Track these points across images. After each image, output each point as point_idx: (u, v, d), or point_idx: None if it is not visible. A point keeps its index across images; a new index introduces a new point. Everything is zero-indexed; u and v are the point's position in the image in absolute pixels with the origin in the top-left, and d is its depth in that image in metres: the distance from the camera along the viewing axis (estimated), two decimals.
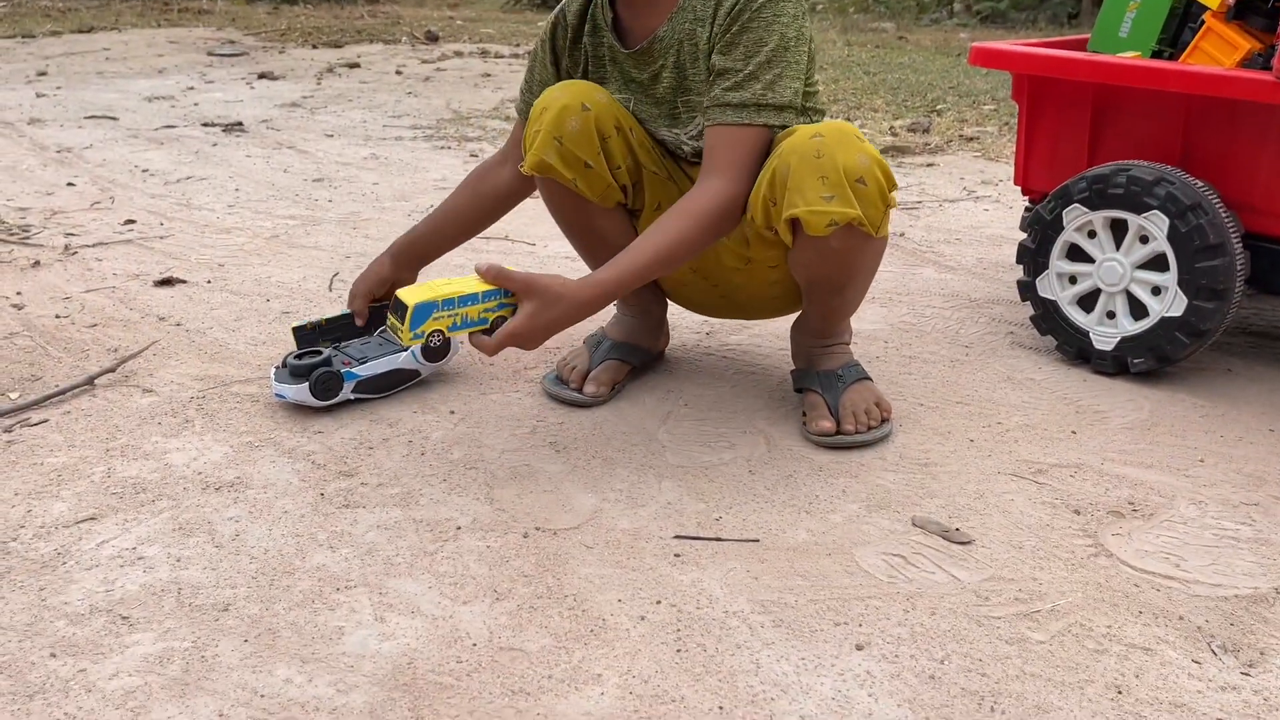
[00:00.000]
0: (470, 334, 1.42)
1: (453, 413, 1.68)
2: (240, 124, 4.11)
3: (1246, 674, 1.10)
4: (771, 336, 2.02)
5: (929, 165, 3.57)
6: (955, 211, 2.98)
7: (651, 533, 1.35)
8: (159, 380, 1.79)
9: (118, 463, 1.51)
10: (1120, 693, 1.06)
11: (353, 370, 1.67)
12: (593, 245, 1.71)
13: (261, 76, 5.37)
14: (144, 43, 6.59)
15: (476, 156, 3.64)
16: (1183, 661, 1.11)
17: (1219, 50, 1.77)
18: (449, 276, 1.53)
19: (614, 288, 1.42)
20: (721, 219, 1.47)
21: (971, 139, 3.93)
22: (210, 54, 6.17)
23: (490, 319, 1.42)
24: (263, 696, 1.05)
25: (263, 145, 3.78)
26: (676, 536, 1.34)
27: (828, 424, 1.57)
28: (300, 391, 1.63)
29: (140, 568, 1.26)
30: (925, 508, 1.41)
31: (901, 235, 2.73)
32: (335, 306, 2.15)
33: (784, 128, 1.49)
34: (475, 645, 1.13)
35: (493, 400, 1.73)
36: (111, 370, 1.80)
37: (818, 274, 1.54)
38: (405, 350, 1.73)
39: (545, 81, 1.66)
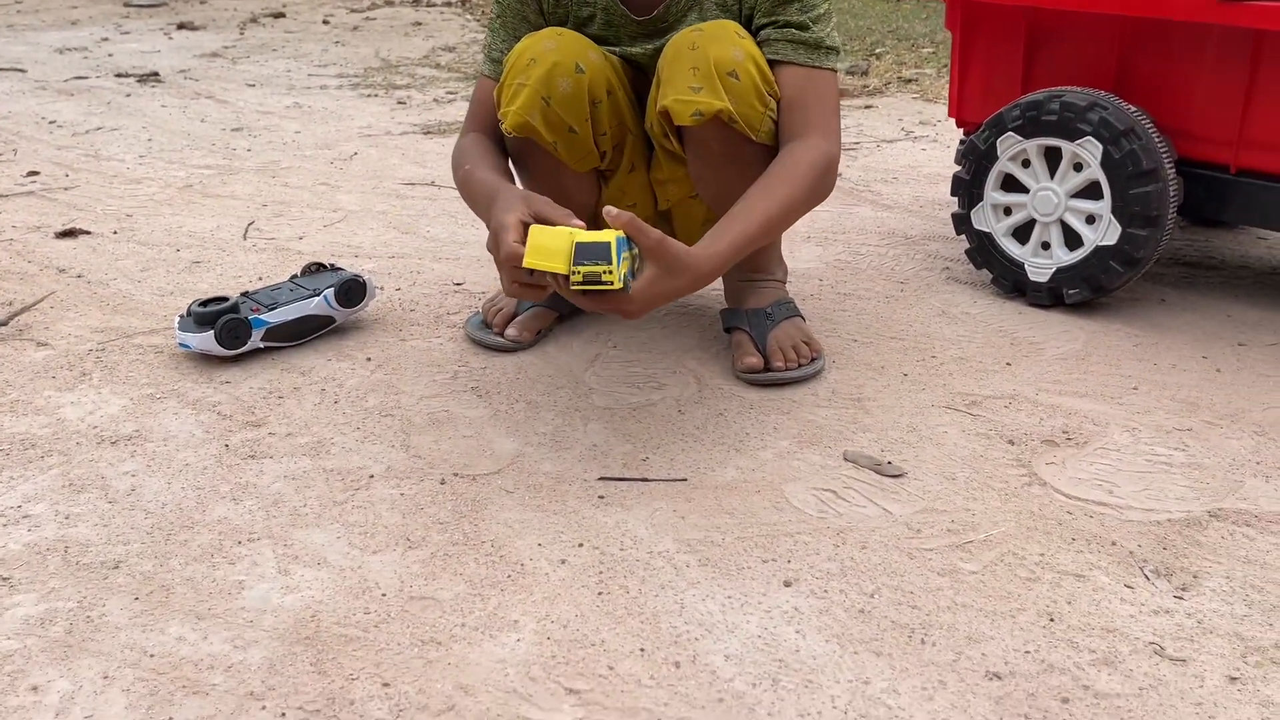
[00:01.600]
0: (571, 289, 1.16)
1: (369, 359, 1.61)
2: (156, 74, 3.94)
3: (1179, 597, 1.07)
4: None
5: (867, 108, 3.52)
6: (893, 151, 2.94)
7: (575, 476, 1.29)
8: (55, 333, 1.69)
9: (6, 419, 1.42)
10: (1052, 620, 1.04)
11: (261, 317, 1.58)
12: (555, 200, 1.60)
13: (181, 27, 5.15)
14: None
15: (404, 104, 3.52)
16: (1115, 587, 1.09)
17: None
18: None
19: (731, 258, 1.28)
20: (825, 178, 1.39)
21: (910, 81, 3.89)
22: (127, 4, 5.91)
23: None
24: (152, 656, 0.98)
25: (179, 95, 3.62)
26: (601, 478, 1.29)
27: (754, 360, 1.53)
28: (205, 340, 1.54)
29: (25, 526, 1.18)
30: (857, 442, 1.38)
31: (839, 176, 2.68)
32: (250, 255, 2.05)
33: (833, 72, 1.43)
34: (385, 595, 1.07)
35: (413, 346, 1.65)
36: (3, 324, 1.69)
37: (712, 188, 1.48)
38: (317, 296, 1.64)
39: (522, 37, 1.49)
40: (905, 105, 3.52)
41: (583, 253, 1.13)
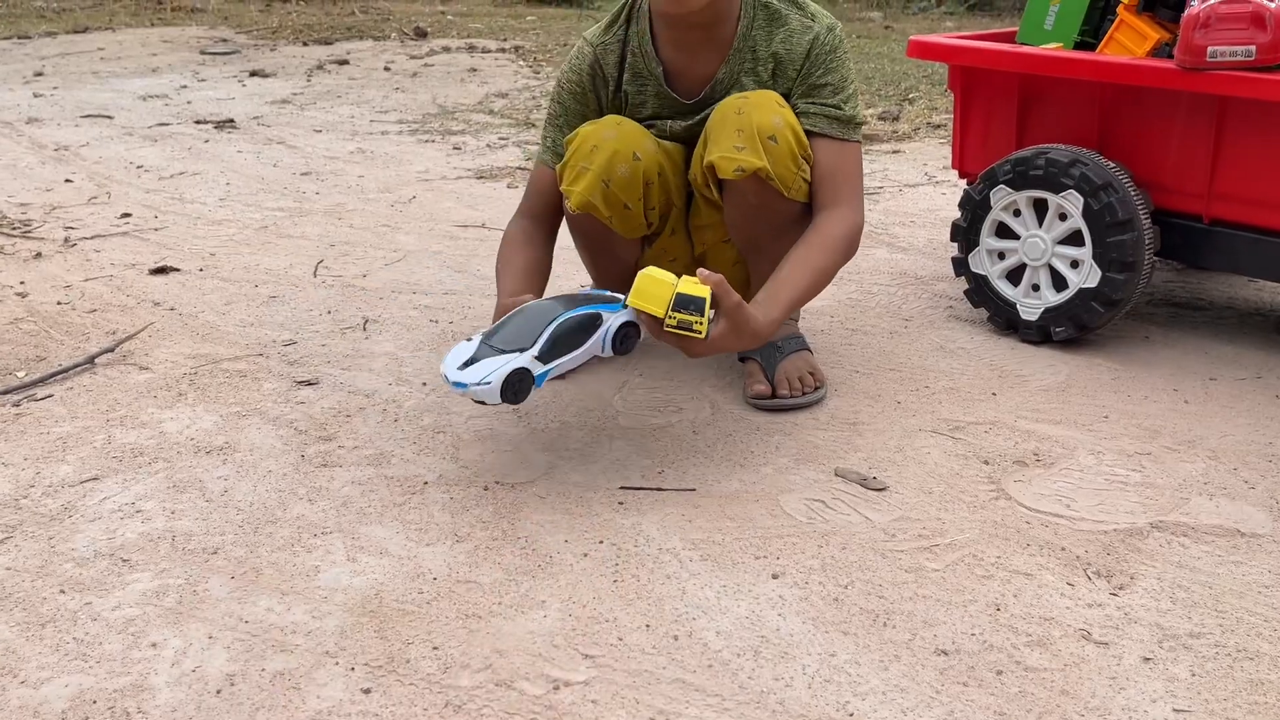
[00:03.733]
0: (663, 330, 1.41)
1: (425, 384, 1.83)
2: (232, 121, 4.25)
3: (1115, 594, 1.25)
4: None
5: (894, 152, 3.71)
6: (914, 196, 3.12)
7: (600, 484, 1.50)
8: (154, 359, 1.94)
9: (117, 431, 1.66)
10: (998, 609, 1.21)
11: (545, 370, 1.42)
12: (603, 263, 1.83)
13: (253, 74, 5.50)
14: (138, 42, 6.72)
15: (459, 150, 3.78)
16: (1058, 584, 1.26)
17: (1131, 41, 1.92)
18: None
19: (782, 320, 1.55)
20: (851, 245, 1.65)
21: (939, 126, 4.07)
22: (203, 52, 6.30)
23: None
24: (246, 623, 1.20)
25: (253, 141, 3.92)
26: (622, 487, 1.49)
27: (763, 388, 1.72)
28: (489, 393, 1.37)
29: (139, 519, 1.41)
30: (848, 460, 1.56)
31: None
32: (320, 291, 2.30)
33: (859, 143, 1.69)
34: (435, 579, 1.28)
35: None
36: (110, 350, 1.95)
37: (745, 233, 1.69)
38: (595, 335, 1.46)
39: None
40: (931, 151, 3.70)
41: (681, 302, 1.38)
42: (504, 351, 1.40)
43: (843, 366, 1.90)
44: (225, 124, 4.20)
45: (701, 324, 1.39)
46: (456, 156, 3.68)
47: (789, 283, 1.56)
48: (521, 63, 5.98)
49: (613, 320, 1.46)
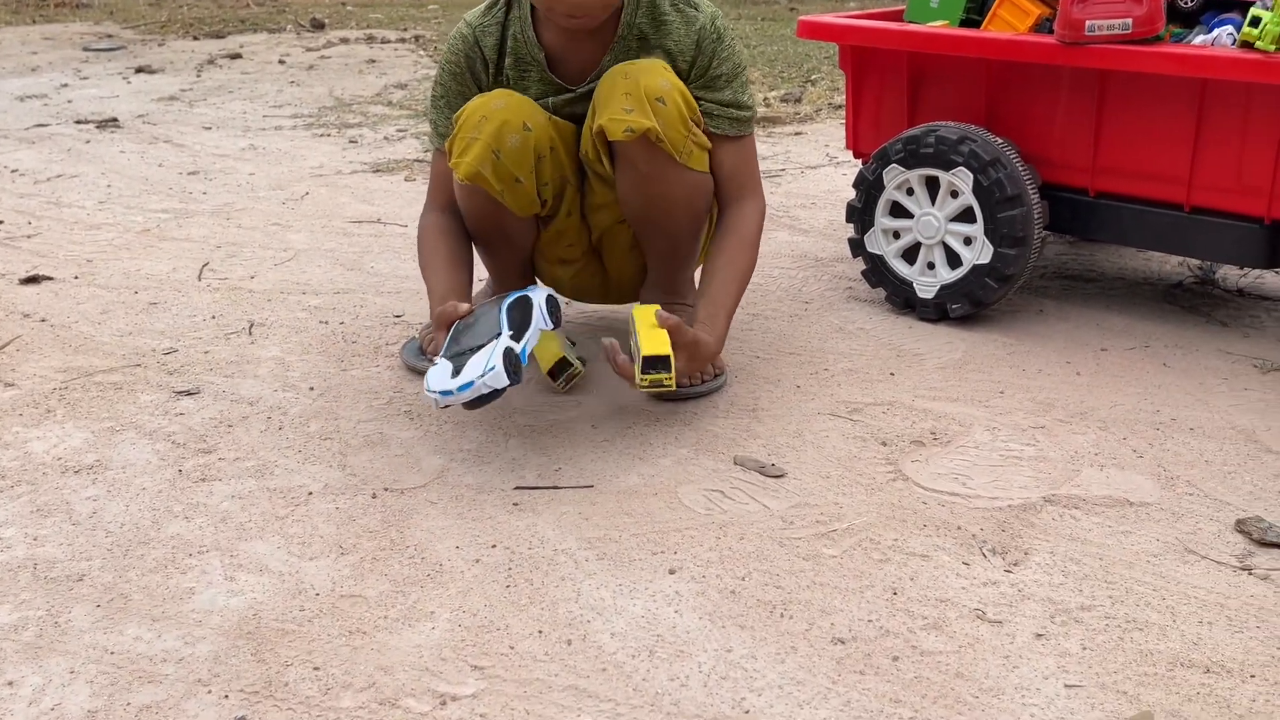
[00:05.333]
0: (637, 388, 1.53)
1: (312, 389, 1.76)
2: (115, 120, 4.07)
3: (1009, 571, 1.25)
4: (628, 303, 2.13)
5: (797, 134, 3.72)
6: (815, 177, 3.12)
7: (494, 486, 1.45)
8: (21, 374, 1.83)
9: None
10: (895, 594, 1.20)
11: (523, 347, 1.48)
12: (495, 243, 1.78)
13: (139, 71, 5.28)
14: (17, 40, 6.40)
15: (355, 143, 3.67)
16: (954, 564, 1.26)
17: (1014, 17, 1.93)
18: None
19: (726, 332, 1.65)
20: (761, 228, 1.73)
21: (840, 107, 4.09)
22: (86, 49, 6.03)
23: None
24: (113, 654, 1.13)
25: (137, 140, 3.76)
26: (517, 488, 1.45)
27: None
28: (495, 376, 1.39)
29: None
30: (748, 448, 1.54)
31: None
32: (204, 295, 2.20)
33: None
34: (318, 595, 1.22)
35: (353, 375, 1.81)
36: None
37: (637, 207, 1.67)
38: (537, 312, 1.55)
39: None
40: (833, 131, 3.72)
41: (649, 364, 1.50)
42: (481, 346, 1.45)
43: (744, 352, 1.88)
44: (108, 123, 4.02)
45: (670, 379, 1.50)
46: (353, 150, 3.57)
47: (724, 296, 1.64)
48: (422, 52, 5.85)
49: (537, 297, 1.57)
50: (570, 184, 1.72)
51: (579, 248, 1.80)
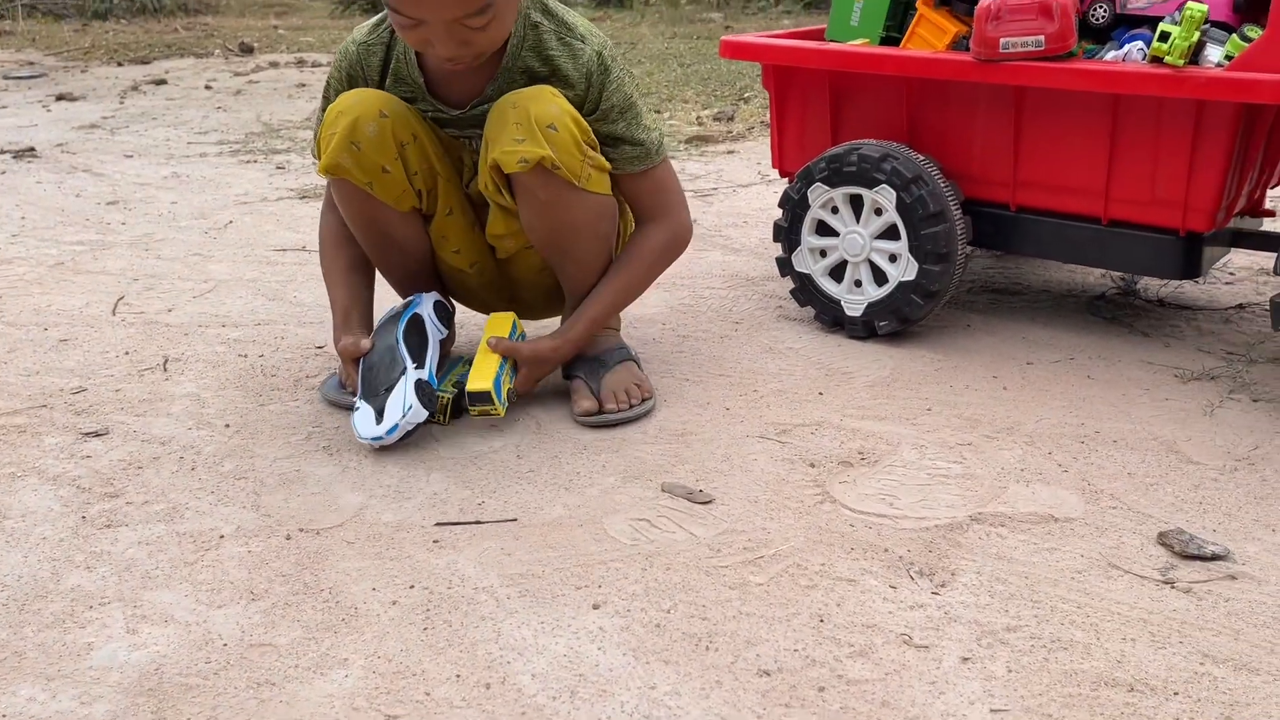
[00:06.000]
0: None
1: (228, 426, 1.70)
2: (32, 149, 3.95)
3: (936, 593, 1.23)
4: (556, 327, 2.10)
5: (730, 153, 3.72)
6: (747, 196, 3.13)
7: (414, 523, 1.41)
8: None
9: None
10: (822, 621, 1.18)
11: (431, 375, 1.64)
12: (385, 250, 1.75)
13: (60, 98, 5.15)
14: None
15: (282, 169, 3.60)
16: (881, 588, 1.24)
17: (932, 35, 1.94)
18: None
19: (586, 337, 1.71)
20: (670, 250, 1.75)
21: None
22: (6, 77, 5.87)
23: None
24: (4, 717, 1.07)
25: (55, 170, 3.65)
26: (438, 524, 1.41)
27: (589, 404, 1.67)
28: (415, 414, 1.55)
29: None
30: (676, 474, 1.52)
31: (694, 221, 2.85)
32: (118, 331, 2.12)
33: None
34: (225, 645, 1.17)
35: (270, 411, 1.75)
36: None
37: (543, 235, 1.65)
38: (429, 323, 1.71)
39: None
40: (764, 150, 3.73)
41: (474, 399, 1.59)
42: (391, 386, 1.57)
43: (673, 375, 1.86)
44: (24, 153, 3.90)
45: (499, 408, 1.59)
46: (279, 176, 3.50)
47: (591, 303, 1.69)
48: None
49: (425, 309, 1.69)
50: (442, 177, 1.69)
51: (467, 256, 1.77)
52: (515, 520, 1.41)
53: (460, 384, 1.66)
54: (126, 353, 2.01)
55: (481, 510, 1.44)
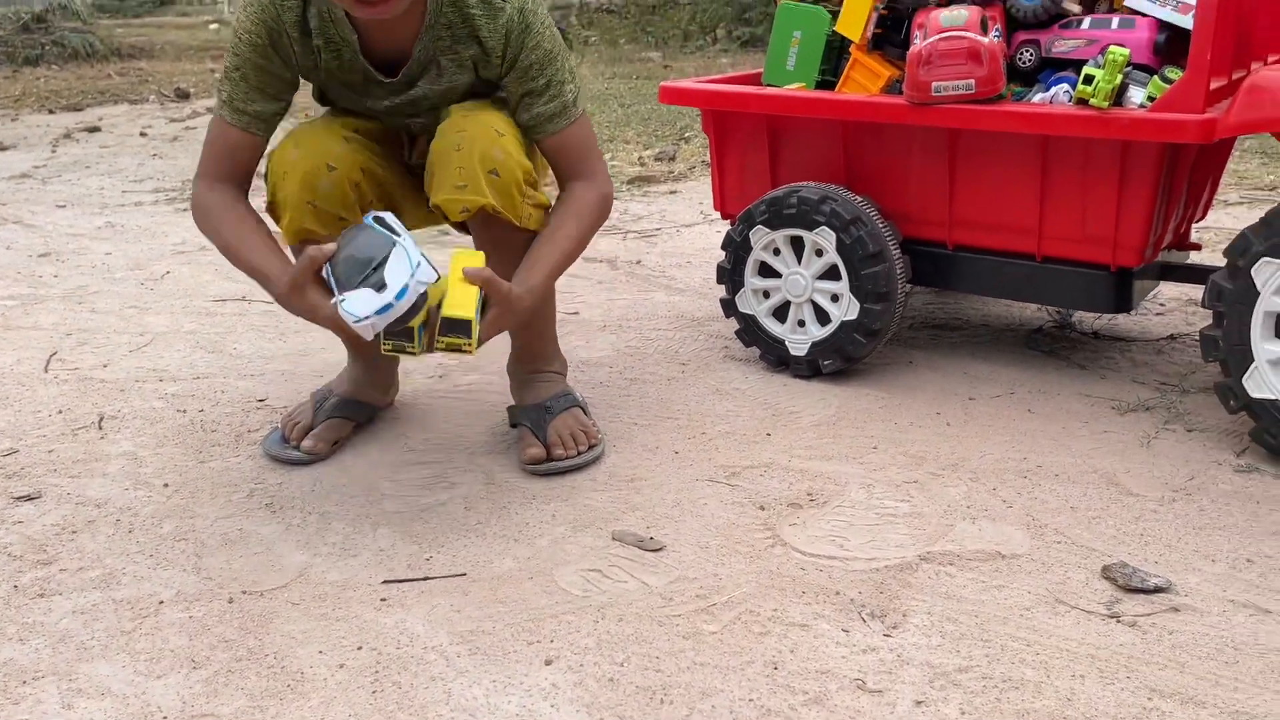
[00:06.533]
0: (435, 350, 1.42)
1: (166, 485, 1.66)
2: None
3: (888, 635, 1.24)
4: (504, 374, 2.08)
5: (671, 193, 3.75)
6: (690, 236, 3.15)
7: (361, 581, 1.38)
8: None
9: None
10: (776, 668, 1.18)
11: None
12: None
13: None
14: None
15: None
16: (834, 633, 1.24)
17: (865, 78, 1.98)
18: None
19: (547, 287, 1.57)
20: (603, 212, 1.64)
21: None
22: None
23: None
24: None
25: None
26: (385, 581, 1.38)
27: (537, 451, 1.65)
28: (424, 270, 1.34)
29: None
30: (626, 521, 1.51)
31: (638, 263, 2.87)
32: (51, 388, 2.07)
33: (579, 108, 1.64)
34: (166, 718, 1.13)
35: (211, 468, 1.71)
36: None
37: (494, 262, 1.62)
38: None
39: (274, 87, 1.57)
40: (706, 189, 3.77)
41: (449, 326, 1.38)
42: (381, 262, 1.33)
43: (621, 419, 1.85)
44: None
45: (470, 345, 1.39)
46: None
47: (542, 255, 1.56)
48: (290, 119, 5.74)
49: (377, 216, 1.41)
50: (397, 186, 1.69)
51: (417, 225, 1.75)
52: (464, 575, 1.39)
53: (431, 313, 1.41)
54: (60, 411, 1.96)
55: (430, 566, 1.41)
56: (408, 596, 1.34)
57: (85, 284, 2.81)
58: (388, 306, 1.30)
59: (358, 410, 1.81)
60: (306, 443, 1.72)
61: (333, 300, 1.35)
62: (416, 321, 1.37)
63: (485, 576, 1.38)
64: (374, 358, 1.82)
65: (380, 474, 1.68)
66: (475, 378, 2.08)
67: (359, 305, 1.31)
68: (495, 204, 1.53)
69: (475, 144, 1.53)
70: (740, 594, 1.32)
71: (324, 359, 2.18)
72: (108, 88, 7.18)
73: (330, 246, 1.38)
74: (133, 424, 1.90)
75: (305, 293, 1.40)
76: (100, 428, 1.88)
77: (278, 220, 1.60)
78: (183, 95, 6.65)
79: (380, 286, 1.32)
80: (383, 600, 1.34)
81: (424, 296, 1.35)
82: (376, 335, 1.36)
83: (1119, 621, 1.24)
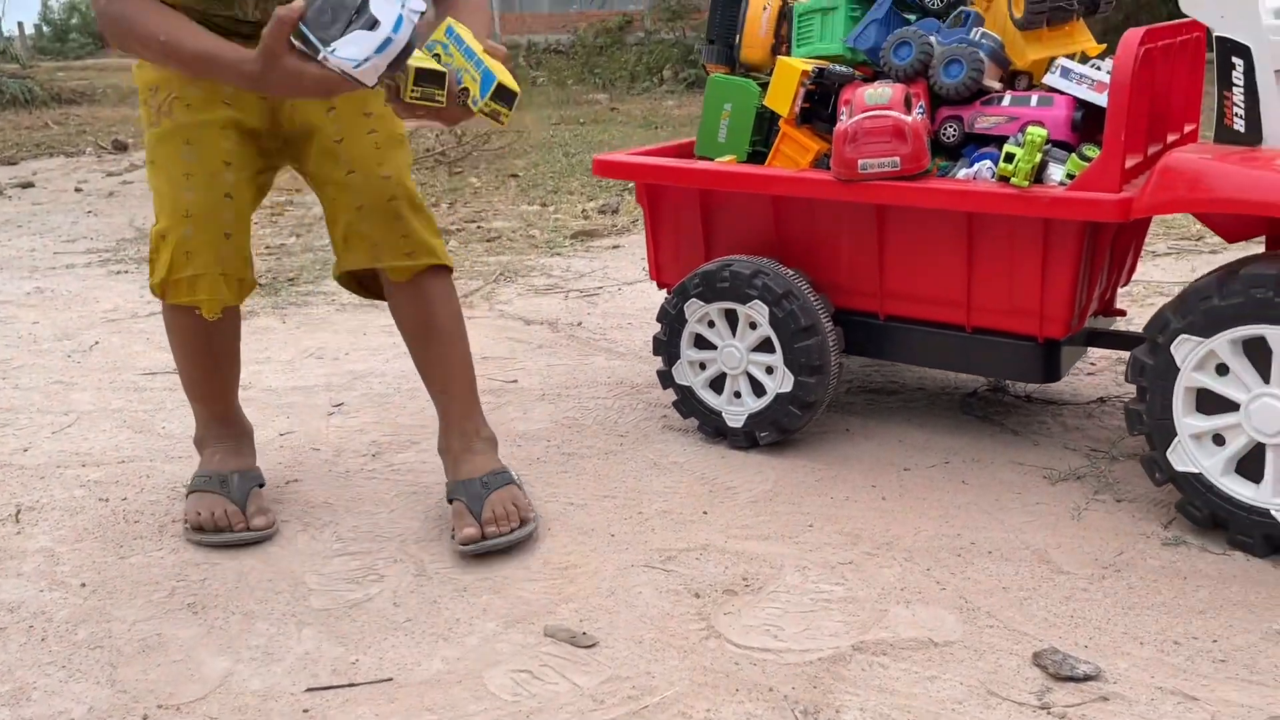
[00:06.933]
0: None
1: (84, 585, 1.60)
2: None
3: None
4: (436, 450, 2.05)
5: (615, 247, 3.76)
6: (632, 294, 3.15)
7: (283, 690, 1.34)
8: None
9: None
10: None
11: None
12: (219, 360, 1.79)
13: None
14: None
15: None
16: None
17: (795, 152, 1.99)
18: None
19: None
20: None
21: None
22: None
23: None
24: None
25: None
26: (308, 689, 1.34)
27: (471, 530, 1.63)
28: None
29: None
30: (559, 613, 1.49)
31: (579, 324, 2.86)
32: None
33: None
34: None
35: (132, 564, 1.66)
36: None
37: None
38: None
39: None
40: None
41: (504, 95, 1.37)
42: (363, 4, 1.28)
43: (557, 499, 1.83)
44: None
45: (442, 95, 1.35)
46: None
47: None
48: None
49: None
50: (257, 186, 1.72)
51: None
52: (390, 680, 1.35)
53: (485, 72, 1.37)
54: None
55: (355, 670, 1.38)
56: (330, 706, 1.31)
57: (9, 357, 2.73)
58: (387, 41, 1.27)
59: (259, 475, 1.83)
60: (258, 520, 1.73)
61: (320, 56, 1.29)
62: (419, 63, 1.33)
63: (412, 681, 1.35)
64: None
65: (307, 566, 1.64)
66: (409, 455, 2.05)
67: (353, 49, 1.27)
68: (435, 246, 1.69)
69: (391, 205, 1.64)
70: (673, 694, 1.30)
71: (256, 438, 2.13)
72: (44, 139, 7.06)
73: (299, 4, 1.29)
74: (52, 516, 1.83)
75: (282, 60, 1.31)
76: (17, 520, 1.82)
77: (173, 294, 1.65)
78: (120, 147, 6.55)
79: (372, 25, 1.28)
80: (305, 711, 1.30)
81: (415, 31, 1.31)
82: (390, 88, 1.34)
83: (1049, 713, 1.24)
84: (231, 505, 1.73)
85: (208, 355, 1.75)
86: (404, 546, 1.69)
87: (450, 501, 1.73)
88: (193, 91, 1.62)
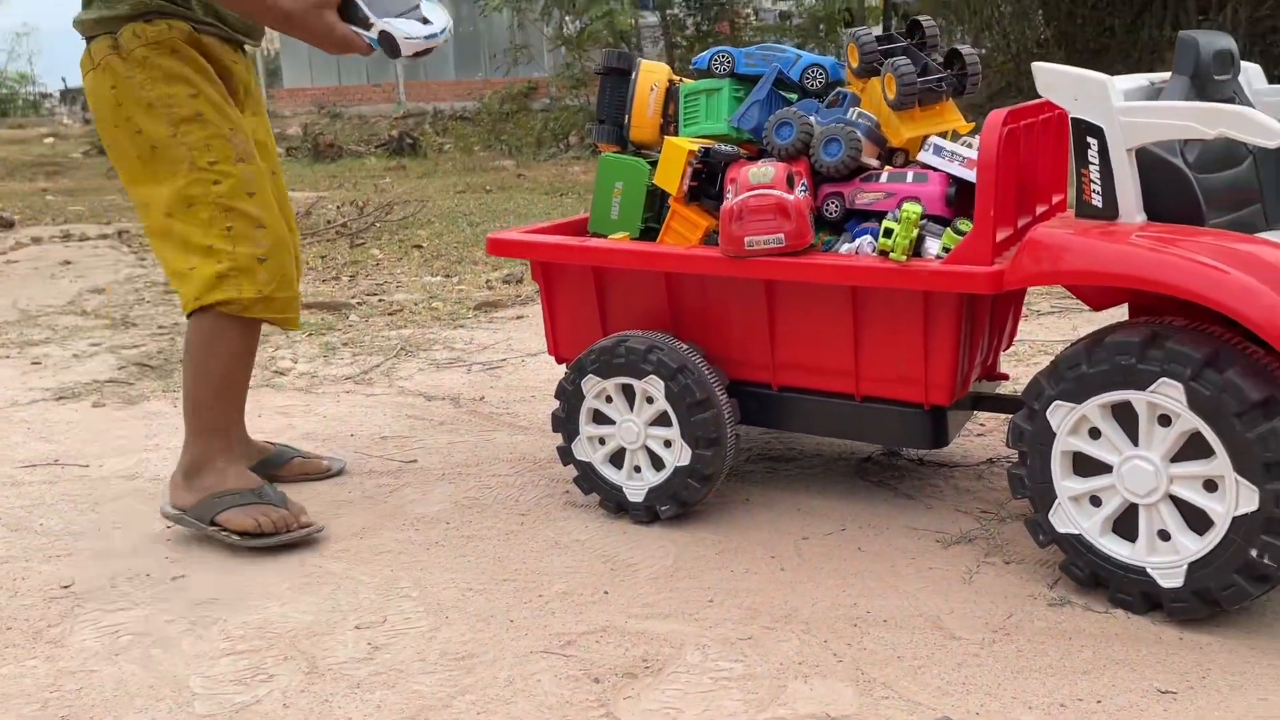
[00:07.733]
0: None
1: None
2: None
3: None
4: (321, 519, 2.01)
5: (518, 318, 3.76)
6: (536, 366, 3.15)
7: None
8: None
9: None
10: None
11: None
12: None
13: None
14: None
15: (39, 364, 3.36)
16: None
17: (685, 229, 2.03)
18: None
19: None
20: None
21: None
22: None
23: None
24: None
25: None
26: None
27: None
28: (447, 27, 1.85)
29: None
30: (456, 707, 1.45)
31: (481, 399, 2.84)
32: None
33: None
34: None
35: (2, 675, 1.57)
36: None
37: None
38: None
39: None
40: None
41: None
42: (416, 6, 1.83)
43: (456, 585, 1.80)
44: None
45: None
46: (34, 374, 3.26)
47: None
48: (125, 249, 5.54)
49: None
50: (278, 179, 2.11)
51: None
52: None
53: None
54: None
55: None
56: None
57: None
58: (434, 35, 1.78)
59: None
60: (305, 518, 1.95)
61: (372, 22, 1.75)
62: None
63: None
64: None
65: (192, 669, 1.57)
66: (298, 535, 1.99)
67: (412, 28, 1.77)
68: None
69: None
70: None
71: (141, 532, 2.06)
72: None
73: None
74: None
75: (326, 13, 1.75)
76: None
77: (260, 309, 1.92)
78: (6, 224, 6.34)
79: (425, 22, 1.79)
80: None
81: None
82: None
83: None
84: (282, 509, 1.91)
85: (248, 367, 1.99)
86: (295, 642, 1.64)
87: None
88: (248, 147, 1.94)
